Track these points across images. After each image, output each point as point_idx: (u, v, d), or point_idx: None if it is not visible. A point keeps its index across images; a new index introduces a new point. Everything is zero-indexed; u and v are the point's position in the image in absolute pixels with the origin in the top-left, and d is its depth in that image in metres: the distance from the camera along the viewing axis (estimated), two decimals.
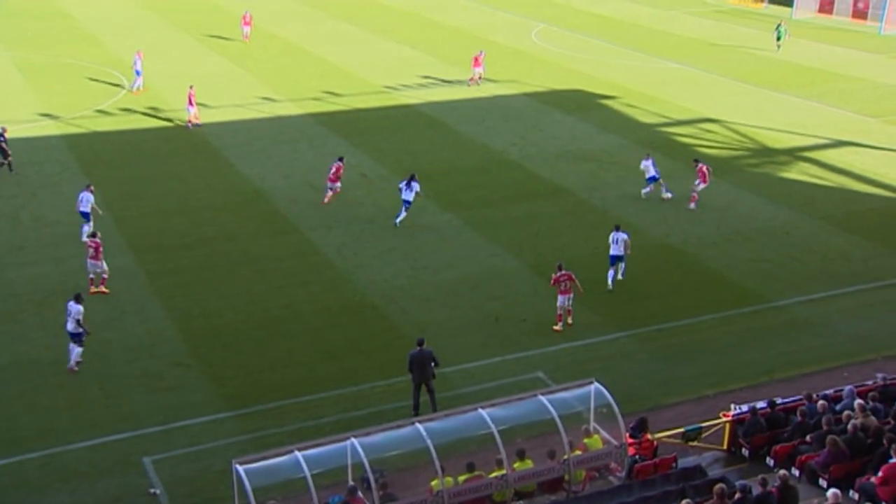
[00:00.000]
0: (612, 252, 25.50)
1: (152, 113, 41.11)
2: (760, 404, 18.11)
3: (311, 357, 22.46)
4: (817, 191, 33.37)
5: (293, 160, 35.90)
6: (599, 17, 66.61)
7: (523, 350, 22.73)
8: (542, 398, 16.45)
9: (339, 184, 31.19)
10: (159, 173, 34.11)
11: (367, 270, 26.83)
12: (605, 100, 44.47)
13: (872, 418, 16.78)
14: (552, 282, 23.51)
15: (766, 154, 37.29)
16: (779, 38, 55.26)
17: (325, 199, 31.16)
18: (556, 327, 23.47)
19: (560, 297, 23.34)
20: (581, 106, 43.58)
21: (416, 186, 29.37)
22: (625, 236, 25.43)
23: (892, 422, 16.82)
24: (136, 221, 29.73)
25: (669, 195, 31.65)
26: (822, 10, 65.66)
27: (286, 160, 35.87)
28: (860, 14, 64.18)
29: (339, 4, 68.08)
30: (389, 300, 25.13)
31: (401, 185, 29.60)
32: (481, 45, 53.21)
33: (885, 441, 15.88)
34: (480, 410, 16.16)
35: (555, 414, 16.05)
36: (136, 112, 41.14)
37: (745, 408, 18.16)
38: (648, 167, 31.60)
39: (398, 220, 29.49)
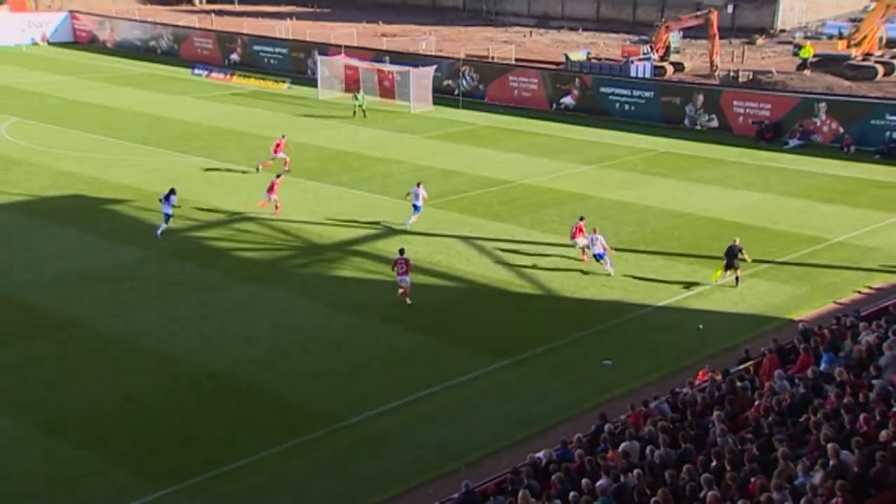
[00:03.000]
0: (594, 251, 34.96)
1: None
2: None
3: None
4: (373, 287, 34.59)
5: None
6: (93, 107, 65.08)
7: None
8: None
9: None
10: None
11: None
12: (114, 205, 42.95)
13: None
14: (392, 266, 32.54)
15: (314, 251, 38.10)
16: (360, 105, 63.68)
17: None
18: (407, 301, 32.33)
19: (400, 277, 32.13)
20: (83, 215, 41.61)
21: (421, 192, 39.54)
22: (602, 238, 34.72)
23: None
24: None
25: (611, 270, 35.38)
26: (348, 89, 69.97)
27: None
28: (388, 92, 69.55)
29: None
30: None
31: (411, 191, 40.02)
32: None
33: None
34: None
35: None
36: None
37: None
38: (595, 241, 35.48)
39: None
